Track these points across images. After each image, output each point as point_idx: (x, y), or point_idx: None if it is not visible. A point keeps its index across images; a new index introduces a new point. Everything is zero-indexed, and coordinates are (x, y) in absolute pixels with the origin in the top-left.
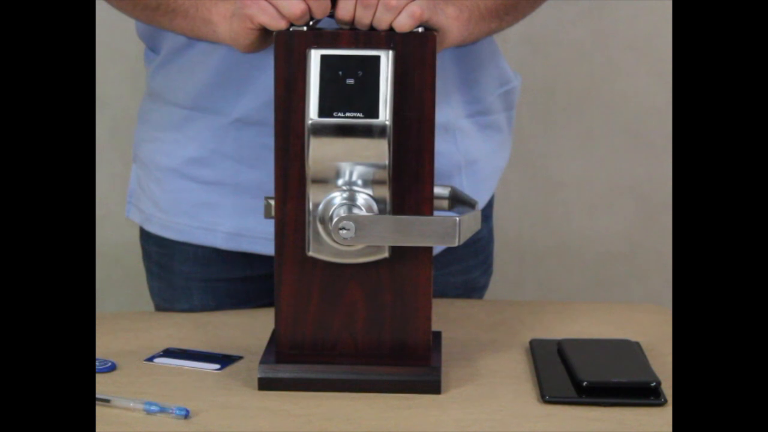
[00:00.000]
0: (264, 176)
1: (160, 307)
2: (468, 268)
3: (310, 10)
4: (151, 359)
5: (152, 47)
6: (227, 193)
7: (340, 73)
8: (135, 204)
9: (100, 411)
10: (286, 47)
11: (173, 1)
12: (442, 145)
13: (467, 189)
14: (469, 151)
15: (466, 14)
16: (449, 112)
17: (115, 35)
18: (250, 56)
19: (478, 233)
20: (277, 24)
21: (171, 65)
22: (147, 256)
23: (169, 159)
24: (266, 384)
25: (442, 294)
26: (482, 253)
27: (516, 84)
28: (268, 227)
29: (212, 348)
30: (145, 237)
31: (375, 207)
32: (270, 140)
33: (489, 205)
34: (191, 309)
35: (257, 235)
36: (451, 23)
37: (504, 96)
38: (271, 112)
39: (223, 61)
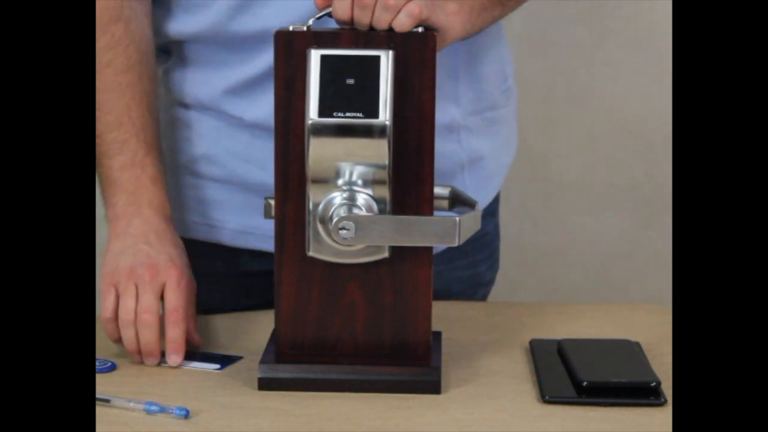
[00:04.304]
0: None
1: None
2: (474, 263)
3: None
4: None
5: (163, 49)
6: (235, 191)
7: (340, 73)
8: None
9: (100, 411)
10: (286, 47)
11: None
12: (445, 146)
13: (471, 187)
14: (474, 149)
15: (467, 8)
16: (455, 112)
17: None
18: (269, 67)
19: (484, 228)
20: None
21: (185, 69)
22: None
23: (178, 156)
24: (266, 384)
25: (447, 289)
26: (488, 248)
27: (513, 77)
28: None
29: (212, 348)
30: None
31: (375, 207)
32: None
33: (495, 201)
34: (198, 303)
35: (264, 233)
36: (452, 19)
37: (507, 91)
38: None
39: (242, 74)
